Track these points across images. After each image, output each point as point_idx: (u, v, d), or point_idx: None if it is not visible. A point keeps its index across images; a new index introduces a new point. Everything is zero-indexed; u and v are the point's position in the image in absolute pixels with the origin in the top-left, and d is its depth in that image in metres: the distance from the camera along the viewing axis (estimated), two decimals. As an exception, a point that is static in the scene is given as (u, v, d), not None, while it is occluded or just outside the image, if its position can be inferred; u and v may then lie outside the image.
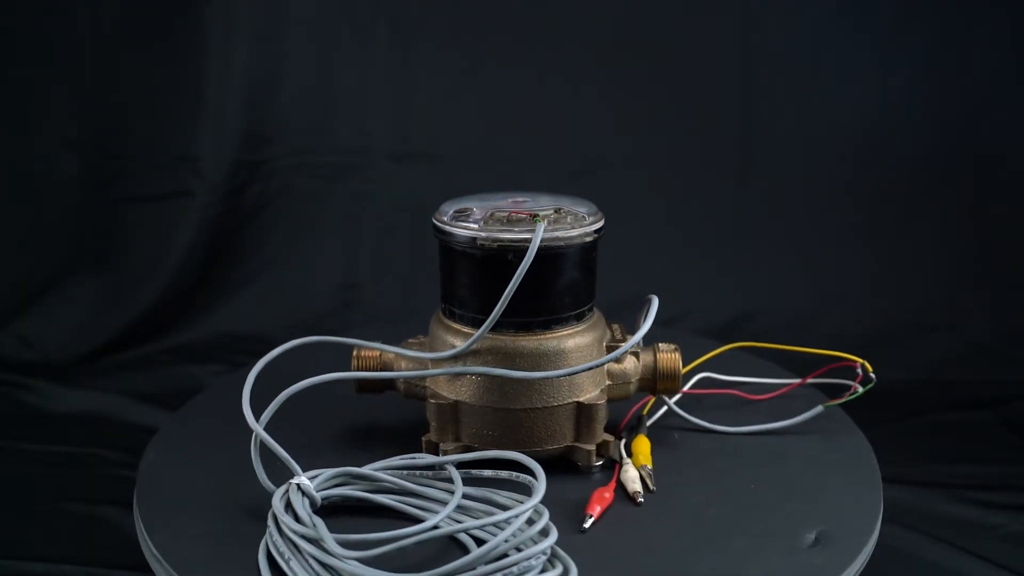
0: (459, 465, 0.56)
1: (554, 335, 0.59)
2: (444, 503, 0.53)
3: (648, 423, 0.66)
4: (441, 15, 1.55)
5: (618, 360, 0.61)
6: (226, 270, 1.58)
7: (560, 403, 0.58)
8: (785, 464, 0.63)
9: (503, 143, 1.57)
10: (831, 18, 1.56)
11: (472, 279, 0.59)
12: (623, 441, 0.63)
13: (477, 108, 1.57)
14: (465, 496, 0.53)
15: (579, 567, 0.49)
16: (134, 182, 1.54)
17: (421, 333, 0.64)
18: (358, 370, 0.62)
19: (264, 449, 0.54)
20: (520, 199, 0.62)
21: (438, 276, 0.61)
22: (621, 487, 0.59)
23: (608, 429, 0.62)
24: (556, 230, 0.57)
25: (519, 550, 0.48)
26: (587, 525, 0.55)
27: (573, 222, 0.58)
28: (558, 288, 0.59)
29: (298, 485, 0.53)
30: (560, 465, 0.60)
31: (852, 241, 1.61)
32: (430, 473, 0.56)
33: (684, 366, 0.64)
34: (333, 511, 0.54)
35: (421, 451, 0.60)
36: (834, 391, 0.68)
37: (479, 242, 0.57)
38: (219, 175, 1.53)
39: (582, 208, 0.60)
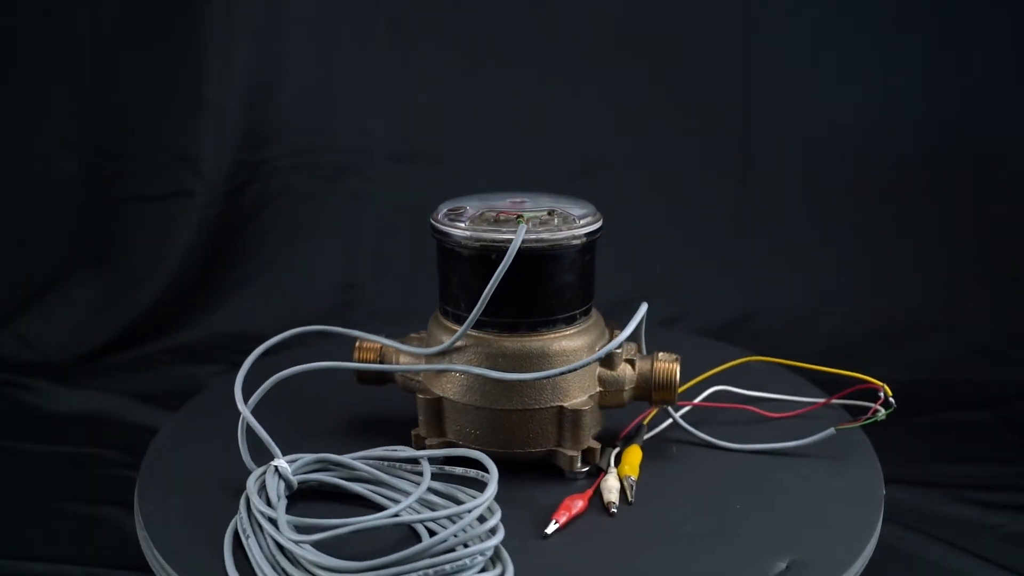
0: (433, 460, 0.57)
1: (539, 337, 0.58)
2: (411, 495, 0.54)
3: (649, 434, 0.65)
4: (441, 15, 1.54)
5: (611, 367, 0.60)
6: (226, 270, 1.58)
7: (542, 406, 0.58)
8: (782, 486, 0.60)
9: (503, 143, 1.57)
10: (831, 18, 1.56)
11: (460, 278, 0.59)
12: (616, 450, 0.62)
13: (477, 108, 1.57)
14: (431, 490, 0.54)
15: (527, 572, 0.49)
16: (134, 182, 1.54)
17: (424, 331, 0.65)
18: (360, 362, 0.63)
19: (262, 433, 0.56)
20: (518, 199, 0.62)
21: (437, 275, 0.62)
22: (599, 496, 0.58)
23: (607, 436, 0.62)
24: (541, 232, 0.56)
25: (467, 546, 0.48)
26: (549, 531, 0.53)
27: (561, 224, 0.58)
28: (544, 290, 0.58)
29: (276, 467, 0.55)
30: (546, 469, 0.60)
31: (852, 241, 1.61)
32: (408, 466, 0.57)
33: (700, 375, 0.64)
34: (309, 495, 0.56)
35: (411, 445, 0.61)
36: (858, 412, 0.65)
37: (463, 241, 0.57)
38: (219, 175, 1.53)
39: (580, 210, 0.60)
